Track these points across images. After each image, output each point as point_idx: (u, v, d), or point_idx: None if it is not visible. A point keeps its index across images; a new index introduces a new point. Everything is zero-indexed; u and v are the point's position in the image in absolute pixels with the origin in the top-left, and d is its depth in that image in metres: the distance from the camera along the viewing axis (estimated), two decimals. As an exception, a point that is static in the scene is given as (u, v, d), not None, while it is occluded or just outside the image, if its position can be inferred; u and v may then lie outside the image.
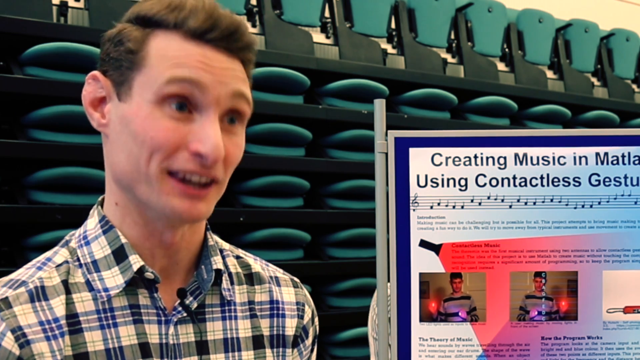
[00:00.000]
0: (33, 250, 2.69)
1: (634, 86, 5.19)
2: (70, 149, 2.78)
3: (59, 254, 0.95)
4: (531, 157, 1.23)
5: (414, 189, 1.22)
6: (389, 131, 1.25)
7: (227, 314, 0.99)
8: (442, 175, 1.22)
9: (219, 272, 0.98)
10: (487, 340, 1.20)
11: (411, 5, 4.18)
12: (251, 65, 0.96)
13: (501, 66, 4.56)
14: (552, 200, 1.22)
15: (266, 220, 3.24)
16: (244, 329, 1.00)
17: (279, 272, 1.10)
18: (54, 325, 0.88)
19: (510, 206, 1.22)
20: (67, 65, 2.81)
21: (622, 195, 1.22)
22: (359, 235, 3.45)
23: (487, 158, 1.23)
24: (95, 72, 0.94)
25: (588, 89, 4.87)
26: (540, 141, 1.23)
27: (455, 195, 1.22)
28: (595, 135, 1.24)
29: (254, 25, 3.68)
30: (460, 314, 1.21)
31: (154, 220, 0.93)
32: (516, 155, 1.23)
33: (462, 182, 1.22)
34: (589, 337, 1.20)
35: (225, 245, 1.06)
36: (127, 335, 0.91)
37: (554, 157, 1.22)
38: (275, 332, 1.03)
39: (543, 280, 1.21)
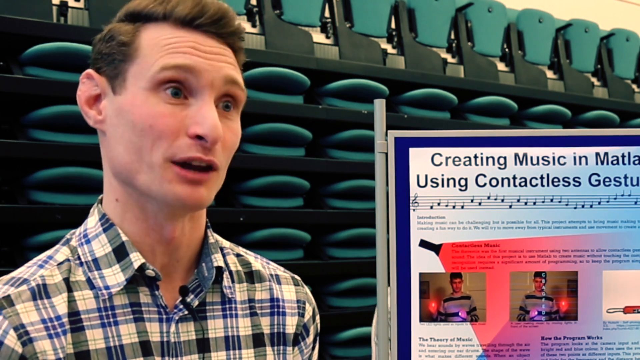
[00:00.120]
0: (33, 250, 2.69)
1: (634, 86, 5.19)
2: (70, 149, 2.78)
3: (60, 252, 0.95)
4: (531, 157, 1.23)
5: (414, 189, 1.22)
6: (389, 131, 1.25)
7: (228, 312, 0.99)
8: (442, 175, 1.22)
9: (219, 270, 0.98)
10: (487, 340, 1.21)
11: (411, 5, 4.18)
12: (241, 53, 0.98)
13: (501, 66, 4.56)
14: (552, 200, 1.22)
15: (266, 220, 3.24)
16: (244, 327, 1.00)
17: (280, 270, 1.10)
18: (56, 323, 0.89)
19: (510, 206, 1.22)
20: (67, 65, 2.81)
21: (622, 195, 1.22)
22: (359, 235, 3.45)
23: (487, 158, 1.23)
24: (89, 71, 0.95)
25: (588, 89, 4.87)
26: (540, 141, 1.23)
27: (455, 195, 1.22)
28: (595, 135, 1.24)
29: (254, 25, 3.68)
30: (460, 314, 1.21)
31: (155, 214, 0.93)
32: (516, 155, 1.23)
33: (462, 182, 1.22)
34: (589, 337, 1.20)
35: (226, 244, 1.06)
36: (127, 333, 0.91)
37: (554, 157, 1.23)
38: (275, 330, 1.03)
39: (543, 280, 1.21)
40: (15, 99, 2.80)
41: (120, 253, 0.93)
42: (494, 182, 1.22)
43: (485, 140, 1.23)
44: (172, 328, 0.93)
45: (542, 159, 1.22)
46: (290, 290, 1.07)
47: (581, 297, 1.21)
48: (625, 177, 1.22)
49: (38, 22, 2.89)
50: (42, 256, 0.96)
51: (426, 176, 1.22)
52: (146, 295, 0.94)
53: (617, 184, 1.22)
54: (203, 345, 0.95)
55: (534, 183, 1.22)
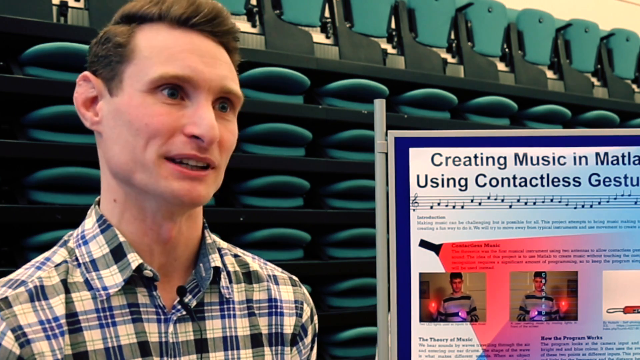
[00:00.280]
0: (33, 250, 2.69)
1: (634, 86, 5.19)
2: (70, 149, 2.78)
3: (58, 254, 0.95)
4: (531, 157, 1.23)
5: (414, 189, 1.22)
6: (389, 131, 1.25)
7: (226, 312, 0.99)
8: (442, 175, 1.22)
9: (217, 270, 0.98)
10: (487, 340, 1.20)
11: (411, 5, 4.18)
12: (236, 53, 0.98)
13: (501, 66, 4.56)
14: (552, 200, 1.22)
15: (266, 220, 3.24)
16: (242, 327, 1.00)
17: (277, 271, 1.10)
18: (54, 324, 0.88)
19: (510, 206, 1.22)
20: (67, 65, 2.81)
21: (622, 195, 1.22)
22: (359, 235, 3.45)
23: (487, 158, 1.23)
24: (86, 73, 0.95)
25: (588, 89, 4.87)
26: (540, 141, 1.23)
27: (455, 195, 1.22)
28: (595, 135, 1.24)
29: (254, 25, 3.68)
30: (460, 314, 1.21)
31: (153, 212, 0.93)
32: (516, 155, 1.23)
33: (462, 182, 1.22)
34: (589, 337, 1.20)
35: (223, 244, 1.06)
36: (126, 334, 0.91)
37: (554, 157, 1.22)
38: (273, 331, 1.03)
39: (543, 280, 1.21)
40: (15, 99, 2.80)
41: (117, 254, 0.93)
42: (494, 182, 1.22)
43: (485, 140, 1.23)
44: (170, 328, 0.93)
45: (542, 159, 1.22)
46: (288, 291, 1.07)
47: (581, 297, 1.20)
48: (625, 177, 1.22)
49: (38, 22, 2.89)
50: (40, 258, 0.96)
51: (426, 176, 1.22)
52: (144, 296, 0.94)
53: (617, 184, 1.22)
54: (201, 345, 0.95)
55: (534, 183, 1.22)
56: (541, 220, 1.21)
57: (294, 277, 1.11)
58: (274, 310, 1.05)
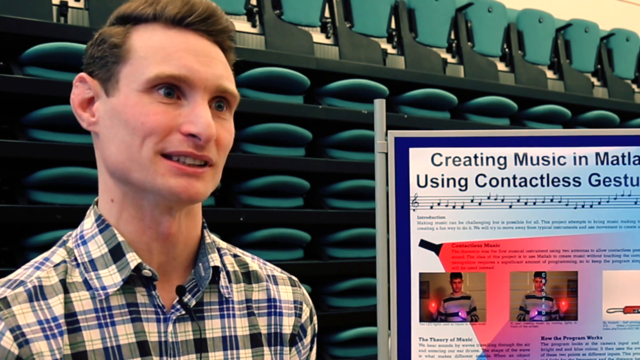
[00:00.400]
0: (33, 250, 2.69)
1: (634, 86, 5.19)
2: (70, 149, 2.78)
3: (57, 254, 0.96)
4: (531, 157, 1.23)
5: (414, 189, 1.22)
6: (389, 131, 1.25)
7: (225, 312, 0.99)
8: (442, 175, 1.22)
9: (216, 270, 0.98)
10: (487, 340, 1.21)
11: (411, 5, 4.18)
12: (231, 52, 0.99)
13: (501, 66, 4.56)
14: (552, 200, 1.22)
15: (266, 220, 3.24)
16: (241, 327, 1.00)
17: (277, 271, 1.10)
18: (52, 324, 0.88)
19: (510, 206, 1.22)
20: (67, 65, 2.81)
21: (622, 195, 1.22)
22: (359, 235, 3.45)
23: (487, 158, 1.23)
24: (82, 74, 0.96)
25: (588, 89, 4.87)
26: (540, 141, 1.23)
27: (455, 195, 1.22)
28: (595, 135, 1.24)
29: (254, 25, 3.68)
30: (460, 314, 1.21)
31: (151, 210, 0.93)
32: (516, 155, 1.23)
33: (462, 182, 1.22)
34: (589, 337, 1.20)
35: (223, 244, 1.06)
36: (124, 333, 0.91)
37: (554, 157, 1.22)
38: (272, 331, 1.03)
39: (543, 280, 1.21)
40: (15, 99, 2.80)
41: (116, 253, 0.93)
42: (494, 182, 1.22)
43: (485, 140, 1.24)
44: (170, 328, 0.93)
45: (542, 159, 1.22)
46: (287, 291, 1.07)
47: (581, 297, 1.20)
48: (625, 177, 1.22)
49: (38, 22, 2.89)
50: (39, 258, 0.96)
51: (426, 176, 1.22)
52: (143, 296, 0.94)
53: (617, 184, 1.22)
54: (200, 345, 0.95)
55: (534, 183, 1.22)
56: (541, 220, 1.22)
57: (294, 277, 1.11)
58: (273, 310, 1.05)
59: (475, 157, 1.23)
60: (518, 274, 1.21)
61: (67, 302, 0.91)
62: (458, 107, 4.07)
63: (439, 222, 1.22)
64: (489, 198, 1.22)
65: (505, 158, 1.23)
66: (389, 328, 1.23)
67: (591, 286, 1.20)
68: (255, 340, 1.01)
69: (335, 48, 3.91)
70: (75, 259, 0.95)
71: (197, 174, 0.91)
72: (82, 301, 0.91)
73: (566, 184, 1.22)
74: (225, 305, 1.00)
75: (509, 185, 1.22)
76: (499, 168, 1.22)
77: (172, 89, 0.90)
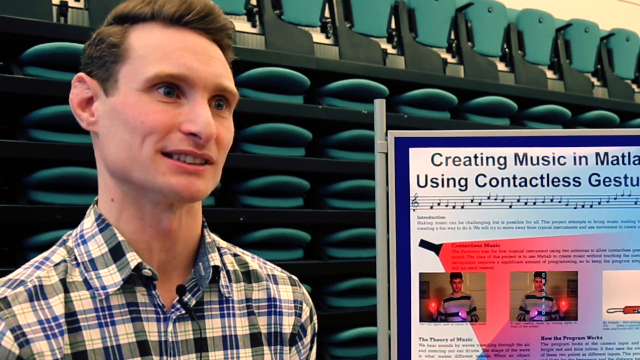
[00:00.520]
0: (33, 250, 2.69)
1: (634, 86, 5.19)
2: (70, 149, 2.78)
3: (57, 253, 0.96)
4: (531, 157, 1.23)
5: (414, 189, 1.22)
6: (389, 131, 1.25)
7: (225, 312, 0.99)
8: (442, 175, 1.22)
9: (216, 269, 0.98)
10: (487, 340, 1.21)
11: (411, 5, 4.18)
12: (229, 51, 0.99)
13: (501, 66, 4.56)
14: (552, 200, 1.22)
15: (266, 220, 3.24)
16: (241, 326, 1.00)
17: (277, 270, 1.10)
18: (53, 324, 0.88)
19: (510, 206, 1.22)
20: (67, 65, 2.81)
21: (622, 195, 1.22)
22: (359, 235, 3.45)
23: (487, 158, 1.23)
24: (80, 74, 0.96)
25: (588, 89, 4.87)
26: (540, 141, 1.23)
27: (455, 195, 1.22)
28: (595, 135, 1.24)
29: (254, 25, 3.68)
30: (460, 314, 1.21)
31: (151, 208, 0.93)
32: (516, 155, 1.23)
33: (462, 182, 1.22)
34: (589, 337, 1.20)
35: (223, 243, 1.06)
36: (125, 333, 0.91)
37: (554, 157, 1.23)
38: (272, 330, 1.03)
39: (543, 280, 1.21)
40: (15, 99, 2.80)
41: (116, 253, 0.93)
42: (494, 182, 1.22)
43: (485, 140, 1.24)
44: (170, 327, 0.93)
45: (542, 159, 1.22)
46: (287, 291, 1.07)
47: (581, 297, 1.21)
48: (625, 177, 1.22)
49: (38, 22, 2.89)
50: (39, 258, 0.96)
51: (426, 176, 1.23)
52: (143, 295, 0.94)
53: (617, 184, 1.22)
54: (200, 344, 0.95)
55: (534, 183, 1.22)
56: (541, 220, 1.22)
57: (294, 277, 1.11)
58: (273, 309, 1.05)
59: (475, 157, 1.23)
60: (518, 274, 1.21)
61: (67, 302, 0.91)
62: (458, 107, 4.07)
63: (439, 222, 1.22)
64: (489, 198, 1.22)
65: (505, 158, 1.23)
66: (389, 328, 1.23)
67: (591, 286, 1.20)
68: (255, 340, 1.01)
69: (335, 48, 3.92)
70: (75, 259, 0.95)
71: (198, 171, 0.91)
72: (82, 301, 0.91)
73: (566, 184, 1.22)
74: (225, 305, 1.00)
75: (509, 185, 1.22)
76: (499, 168, 1.22)
77: (172, 87, 0.90)
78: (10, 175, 2.78)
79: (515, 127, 4.22)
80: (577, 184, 1.22)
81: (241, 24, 3.62)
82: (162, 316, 0.94)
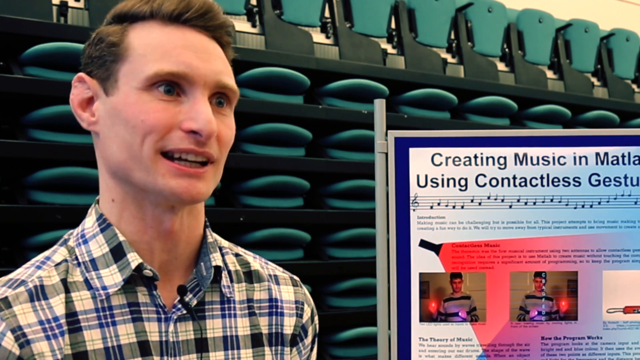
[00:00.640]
0: (33, 250, 2.69)
1: (634, 86, 5.19)
2: (70, 149, 2.78)
3: (58, 253, 0.95)
4: (531, 157, 1.23)
5: (414, 189, 1.22)
6: (389, 131, 1.25)
7: (226, 312, 0.99)
8: (442, 175, 1.23)
9: (218, 269, 0.98)
10: (487, 340, 1.21)
11: (411, 5, 4.18)
12: (229, 48, 0.98)
13: (501, 66, 4.56)
14: (552, 200, 1.22)
15: (266, 220, 3.24)
16: (242, 327, 1.00)
17: (278, 271, 1.10)
18: (53, 324, 0.88)
19: (510, 206, 1.22)
20: (67, 65, 2.81)
21: (622, 195, 1.22)
22: (359, 235, 3.45)
23: (487, 158, 1.23)
24: (80, 74, 0.96)
25: (588, 89, 4.87)
26: (540, 141, 1.23)
27: (455, 195, 1.22)
28: (595, 135, 1.24)
29: (254, 25, 3.68)
30: (460, 314, 1.21)
31: (152, 208, 0.93)
32: (516, 155, 1.23)
33: (462, 182, 1.22)
34: (589, 337, 1.20)
35: (225, 243, 1.06)
36: (125, 333, 0.91)
37: (554, 157, 1.23)
38: (274, 331, 1.03)
39: (543, 280, 1.21)
40: (15, 99, 2.80)
41: (117, 253, 0.93)
42: (494, 182, 1.22)
43: (485, 140, 1.24)
44: (171, 327, 0.93)
45: (542, 159, 1.22)
46: (288, 291, 1.07)
47: (581, 297, 1.21)
48: (625, 177, 1.22)
49: (38, 22, 2.89)
50: (40, 257, 0.96)
51: (426, 176, 1.23)
52: (144, 295, 0.93)
53: (617, 184, 1.22)
54: (201, 344, 0.95)
55: (534, 183, 1.22)
56: (541, 220, 1.22)
57: (295, 277, 1.11)
58: (274, 310, 1.05)
59: (475, 157, 1.23)
60: (518, 274, 1.21)
61: (68, 302, 0.91)
62: (458, 107, 4.07)
63: (439, 222, 1.22)
64: (489, 198, 1.22)
65: (505, 158, 1.23)
66: (389, 328, 1.23)
67: (591, 286, 1.20)
68: (256, 340, 1.01)
69: (335, 48, 3.92)
70: (77, 258, 0.95)
71: (198, 174, 0.91)
72: (83, 301, 0.91)
73: (566, 184, 1.22)
74: (226, 305, 1.00)
75: (509, 185, 1.22)
76: (499, 168, 1.22)
77: (172, 86, 0.90)
78: (10, 175, 2.78)
79: (515, 127, 4.22)
80: (577, 184, 1.22)
81: (241, 24, 3.62)
82: (163, 316, 0.93)
